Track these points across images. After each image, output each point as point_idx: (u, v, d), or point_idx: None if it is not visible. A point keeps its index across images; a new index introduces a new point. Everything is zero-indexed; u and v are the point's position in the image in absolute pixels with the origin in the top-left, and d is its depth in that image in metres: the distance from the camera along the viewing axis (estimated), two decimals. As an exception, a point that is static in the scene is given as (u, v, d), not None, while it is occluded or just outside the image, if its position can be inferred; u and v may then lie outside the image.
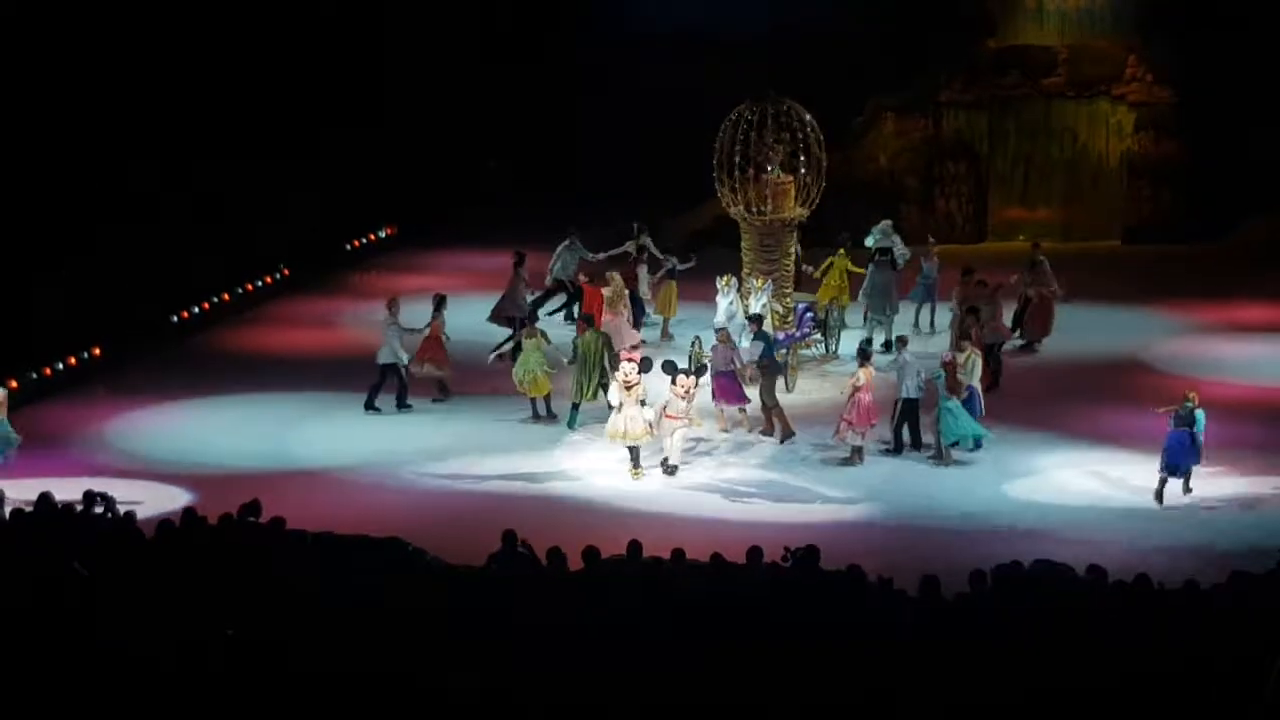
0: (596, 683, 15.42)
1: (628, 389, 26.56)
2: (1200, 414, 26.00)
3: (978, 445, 27.55)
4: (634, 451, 26.84)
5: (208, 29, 38.43)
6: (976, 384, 27.86)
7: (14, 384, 29.77)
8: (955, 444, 27.36)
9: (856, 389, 27.17)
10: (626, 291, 32.69)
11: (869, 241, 33.99)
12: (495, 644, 16.24)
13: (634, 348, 28.82)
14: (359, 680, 15.37)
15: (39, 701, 15.21)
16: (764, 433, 28.62)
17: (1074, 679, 15.58)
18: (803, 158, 31.26)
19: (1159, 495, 25.71)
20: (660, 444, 27.09)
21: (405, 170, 42.55)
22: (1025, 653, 16.11)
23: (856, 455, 27.46)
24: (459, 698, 15.17)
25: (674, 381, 27.07)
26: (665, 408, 26.97)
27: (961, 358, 27.76)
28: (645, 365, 26.91)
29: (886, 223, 34.70)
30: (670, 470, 26.94)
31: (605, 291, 32.31)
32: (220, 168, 37.20)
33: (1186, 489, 25.94)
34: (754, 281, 31.32)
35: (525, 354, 29.48)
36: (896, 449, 27.75)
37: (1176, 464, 25.72)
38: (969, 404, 27.52)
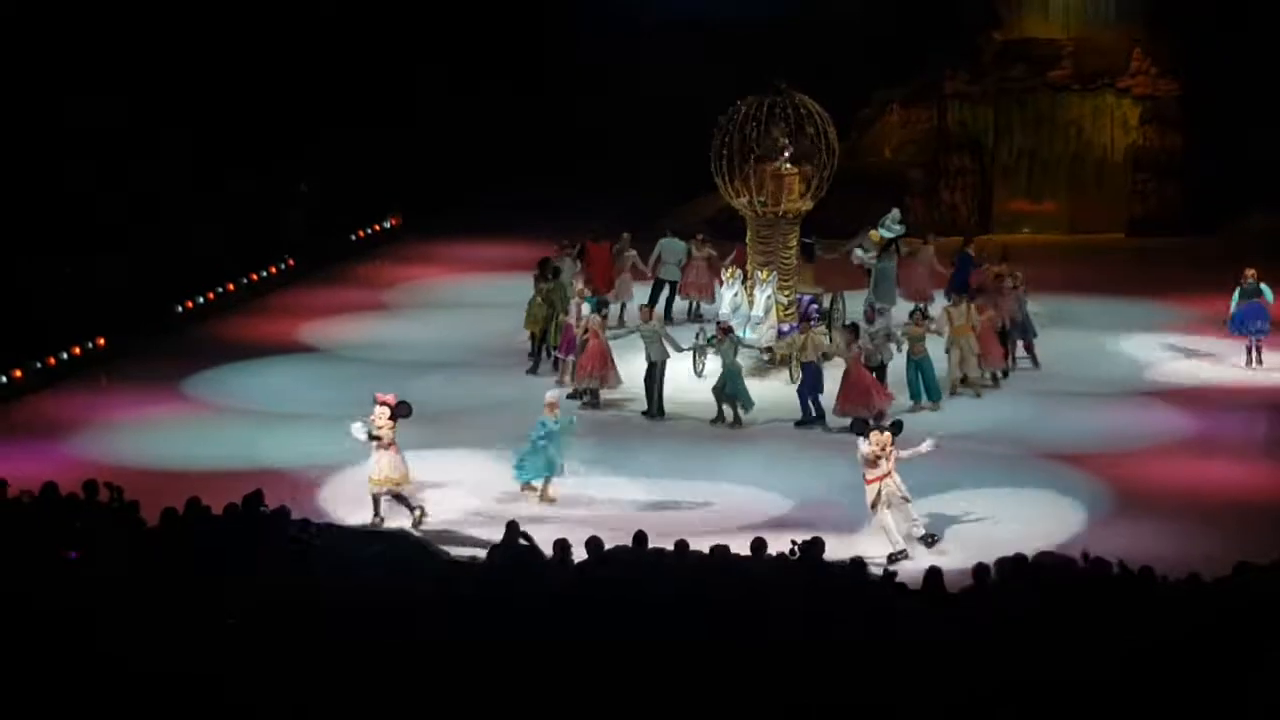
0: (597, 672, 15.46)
1: (379, 431, 24.65)
2: (1265, 286, 30.95)
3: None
4: (375, 501, 24.69)
5: (215, 28, 38.62)
6: (817, 360, 28.73)
7: (18, 373, 29.86)
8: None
9: (586, 337, 29.46)
10: (633, 251, 34.14)
11: (885, 233, 33.89)
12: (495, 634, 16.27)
13: (725, 328, 29.48)
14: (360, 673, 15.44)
15: (38, 693, 15.24)
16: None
17: (1076, 671, 15.59)
18: (825, 157, 31.11)
19: (1250, 361, 31.09)
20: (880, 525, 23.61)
21: (410, 161, 42.53)
22: (1029, 644, 16.11)
23: (590, 398, 29.59)
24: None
25: (864, 436, 23.87)
26: (867, 473, 23.60)
27: (800, 339, 29.14)
28: (400, 410, 24.75)
29: (896, 211, 34.73)
30: (899, 556, 22.90)
31: (618, 248, 33.98)
32: (225, 162, 37.32)
33: (1260, 361, 31.02)
34: (759, 274, 31.27)
35: (531, 307, 31.52)
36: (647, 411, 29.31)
37: (1252, 325, 30.81)
38: (807, 374, 28.69)
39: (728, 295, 31.10)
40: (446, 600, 17.37)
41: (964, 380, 30.19)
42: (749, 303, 30.96)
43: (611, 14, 44.70)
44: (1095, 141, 42.90)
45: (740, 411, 28.87)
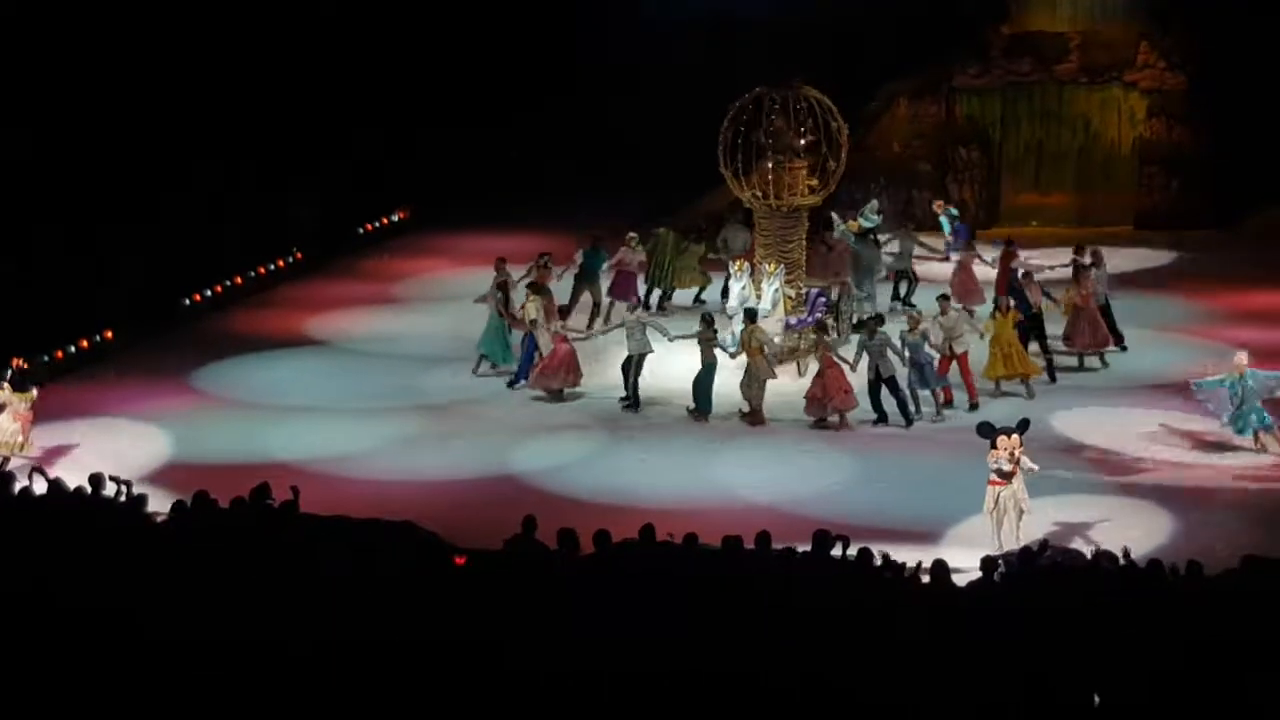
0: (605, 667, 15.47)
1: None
2: (952, 210, 34.78)
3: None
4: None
5: (227, 25, 38.71)
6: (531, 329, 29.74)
7: (21, 362, 29.84)
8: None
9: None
10: None
11: (864, 223, 34.45)
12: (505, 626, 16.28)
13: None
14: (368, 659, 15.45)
15: (50, 686, 15.27)
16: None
17: (1084, 664, 15.59)
18: (842, 148, 31.19)
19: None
20: (999, 528, 22.83)
21: (419, 153, 42.54)
22: (1035, 638, 16.12)
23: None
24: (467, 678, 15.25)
25: (993, 445, 22.83)
26: (991, 474, 22.85)
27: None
28: (15, 376, 25.83)
29: (875, 202, 35.28)
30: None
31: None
32: (233, 159, 37.42)
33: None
34: (765, 266, 31.28)
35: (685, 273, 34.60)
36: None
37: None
38: (528, 342, 29.67)
39: (735, 288, 31.13)
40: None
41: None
42: (756, 296, 30.95)
43: (619, 10, 44.74)
44: (1103, 135, 42.89)
45: (487, 367, 30.57)
